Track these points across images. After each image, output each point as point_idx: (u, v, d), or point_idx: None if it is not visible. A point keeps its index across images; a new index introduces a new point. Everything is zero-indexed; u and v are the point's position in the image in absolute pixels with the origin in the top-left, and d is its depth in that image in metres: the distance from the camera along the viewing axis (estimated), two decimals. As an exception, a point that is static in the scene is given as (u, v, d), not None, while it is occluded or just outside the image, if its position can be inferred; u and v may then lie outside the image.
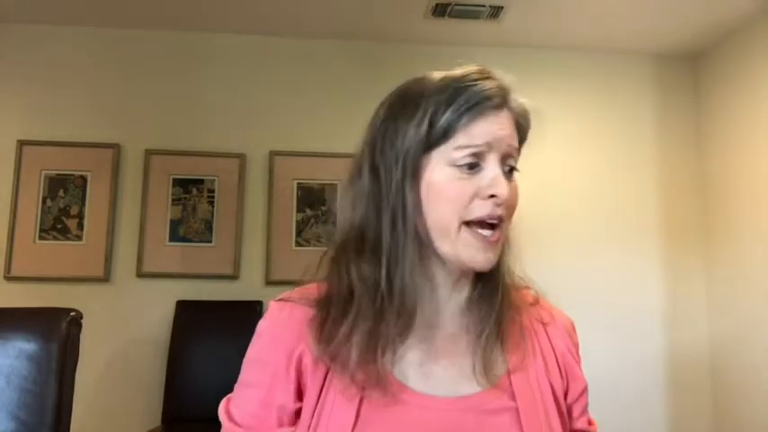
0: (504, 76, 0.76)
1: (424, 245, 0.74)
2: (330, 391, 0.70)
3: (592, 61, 3.05)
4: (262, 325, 0.79)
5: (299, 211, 2.82)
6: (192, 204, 2.76)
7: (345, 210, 0.78)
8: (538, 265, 0.83)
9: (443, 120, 0.71)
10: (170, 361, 2.54)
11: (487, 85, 0.73)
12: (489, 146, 0.71)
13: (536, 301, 0.84)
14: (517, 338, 0.78)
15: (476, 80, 0.73)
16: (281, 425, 0.72)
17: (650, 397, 2.87)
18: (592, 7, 2.62)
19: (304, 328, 0.73)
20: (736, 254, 2.76)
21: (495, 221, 0.71)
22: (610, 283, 2.90)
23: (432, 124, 0.72)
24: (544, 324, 0.81)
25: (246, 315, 2.58)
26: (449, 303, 0.77)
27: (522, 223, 0.80)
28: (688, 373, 2.90)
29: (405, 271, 0.73)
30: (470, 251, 0.71)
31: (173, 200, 2.75)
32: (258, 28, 2.85)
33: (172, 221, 2.74)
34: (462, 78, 0.74)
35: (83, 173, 2.73)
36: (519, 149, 0.76)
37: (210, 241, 2.75)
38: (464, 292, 0.77)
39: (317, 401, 0.71)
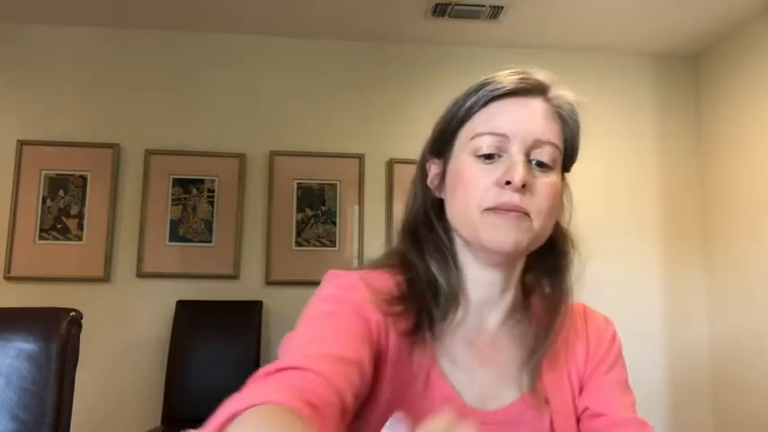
0: (546, 73, 0.76)
1: (451, 233, 0.76)
2: (401, 384, 0.70)
3: (591, 61, 3.05)
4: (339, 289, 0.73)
5: (298, 211, 2.82)
6: (192, 204, 2.76)
7: (408, 198, 0.82)
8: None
9: (468, 102, 0.73)
10: (170, 361, 2.53)
11: (518, 75, 0.73)
12: (511, 135, 0.70)
13: (581, 313, 0.83)
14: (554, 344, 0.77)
15: (508, 73, 0.74)
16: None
17: (650, 397, 2.86)
18: (592, 7, 2.62)
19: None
20: (736, 254, 2.76)
21: (514, 209, 0.69)
22: (610, 283, 2.89)
23: (459, 107, 0.74)
24: (578, 329, 0.81)
25: (246, 315, 2.58)
26: (496, 306, 0.77)
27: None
28: (688, 372, 2.90)
29: (435, 260, 0.75)
30: (490, 231, 0.70)
31: (173, 200, 2.75)
32: (258, 28, 2.85)
33: (172, 221, 2.74)
34: (496, 73, 0.74)
35: (83, 173, 2.72)
36: (561, 147, 0.74)
37: (210, 241, 2.75)
38: (510, 296, 0.77)
39: (392, 392, 0.70)
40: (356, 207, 2.84)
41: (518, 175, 0.68)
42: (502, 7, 2.60)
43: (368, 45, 2.96)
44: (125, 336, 2.66)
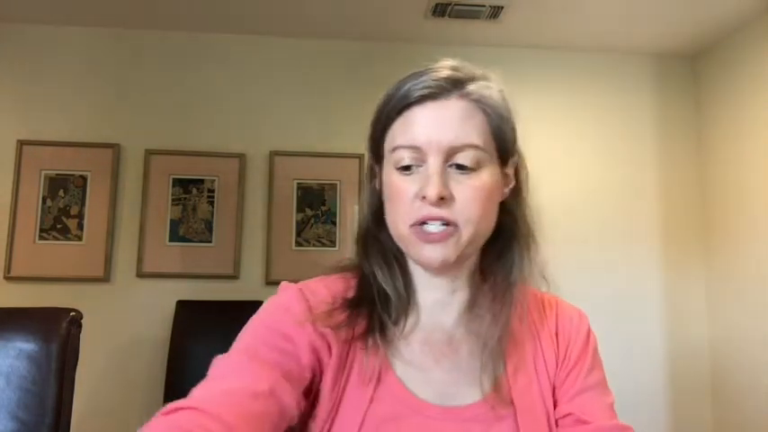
0: (467, 67, 0.73)
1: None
2: (346, 390, 0.70)
3: (592, 61, 3.05)
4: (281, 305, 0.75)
5: (298, 211, 2.82)
6: (192, 204, 2.76)
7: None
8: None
9: (387, 108, 0.72)
10: (170, 361, 2.53)
11: (435, 74, 0.70)
12: (425, 147, 0.68)
13: (552, 305, 0.81)
14: (518, 338, 0.75)
15: (427, 70, 0.71)
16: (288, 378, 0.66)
17: (650, 397, 2.87)
18: (591, 7, 2.62)
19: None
20: (736, 254, 2.76)
21: (436, 222, 0.68)
22: (609, 283, 2.90)
23: (381, 113, 0.73)
24: (547, 322, 0.79)
25: (246, 315, 2.56)
26: (449, 306, 0.76)
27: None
28: (688, 372, 2.90)
29: (380, 269, 0.75)
30: (416, 248, 0.70)
31: (173, 200, 2.75)
32: (258, 28, 2.85)
33: (172, 221, 2.74)
34: (420, 68, 0.72)
35: (83, 173, 2.72)
36: (487, 142, 0.70)
37: (210, 241, 2.75)
38: (463, 295, 0.76)
39: (336, 399, 0.70)
40: (356, 207, 2.83)
41: (431, 189, 0.67)
42: (502, 7, 2.60)
43: (368, 45, 2.96)
44: (125, 336, 2.66)
